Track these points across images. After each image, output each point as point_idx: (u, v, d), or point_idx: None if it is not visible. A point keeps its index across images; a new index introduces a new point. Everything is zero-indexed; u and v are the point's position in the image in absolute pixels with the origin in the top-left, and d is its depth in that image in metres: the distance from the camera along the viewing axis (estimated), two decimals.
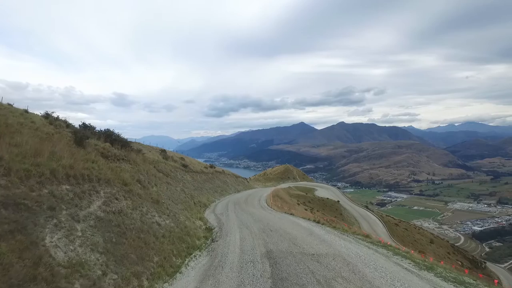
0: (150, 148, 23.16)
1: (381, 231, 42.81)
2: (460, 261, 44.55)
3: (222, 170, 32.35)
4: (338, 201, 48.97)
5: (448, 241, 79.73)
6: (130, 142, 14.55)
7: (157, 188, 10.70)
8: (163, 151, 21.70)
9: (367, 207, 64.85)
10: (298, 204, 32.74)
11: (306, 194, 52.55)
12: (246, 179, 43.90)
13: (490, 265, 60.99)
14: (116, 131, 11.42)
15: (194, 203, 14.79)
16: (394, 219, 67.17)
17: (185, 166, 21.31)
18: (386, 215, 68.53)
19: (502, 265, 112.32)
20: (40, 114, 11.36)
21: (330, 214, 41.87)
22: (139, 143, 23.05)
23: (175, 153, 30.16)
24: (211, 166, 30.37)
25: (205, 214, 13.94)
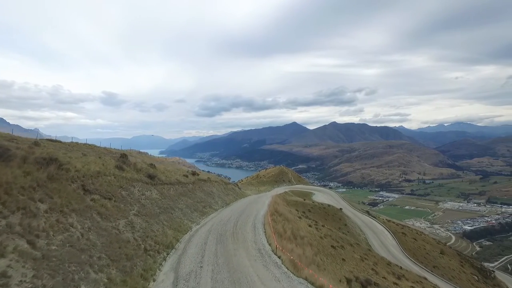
0: (107, 151, 17.03)
1: (390, 244, 37.91)
2: (475, 275, 40.31)
3: (208, 178, 26.05)
4: (341, 208, 43.79)
5: (450, 246, 76.39)
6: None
7: (20, 251, 4.37)
8: (122, 157, 15.57)
9: (368, 213, 60.07)
10: (300, 217, 27.22)
11: (304, 200, 47.29)
12: (237, 185, 37.86)
13: (498, 274, 57.36)
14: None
15: (146, 249, 8.60)
16: (396, 224, 62.80)
17: (152, 177, 15.14)
18: (388, 220, 64.10)
19: (493, 264, 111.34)
20: None
21: (334, 225, 36.67)
22: (90, 144, 17.00)
23: (147, 156, 23.98)
24: (194, 173, 23.95)
25: (156, 281, 7.68)
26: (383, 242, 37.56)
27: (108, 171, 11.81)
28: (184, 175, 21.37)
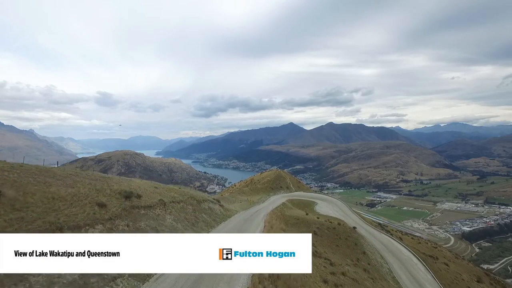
0: None
1: (424, 278, 28.31)
2: None
3: (160, 200, 15.33)
4: (355, 227, 34.07)
5: (464, 257, 67.61)
6: None
7: None
8: None
9: (380, 226, 50.56)
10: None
11: (307, 214, 37.75)
12: (219, 200, 27.44)
13: None
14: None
15: None
16: (412, 238, 53.57)
17: None
18: (402, 234, 54.85)
19: (493, 266, 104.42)
20: None
21: (349, 253, 26.98)
22: None
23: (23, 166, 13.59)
24: (127, 197, 12.97)
25: None
26: (415, 277, 27.97)
27: None
28: (98, 205, 11.10)
